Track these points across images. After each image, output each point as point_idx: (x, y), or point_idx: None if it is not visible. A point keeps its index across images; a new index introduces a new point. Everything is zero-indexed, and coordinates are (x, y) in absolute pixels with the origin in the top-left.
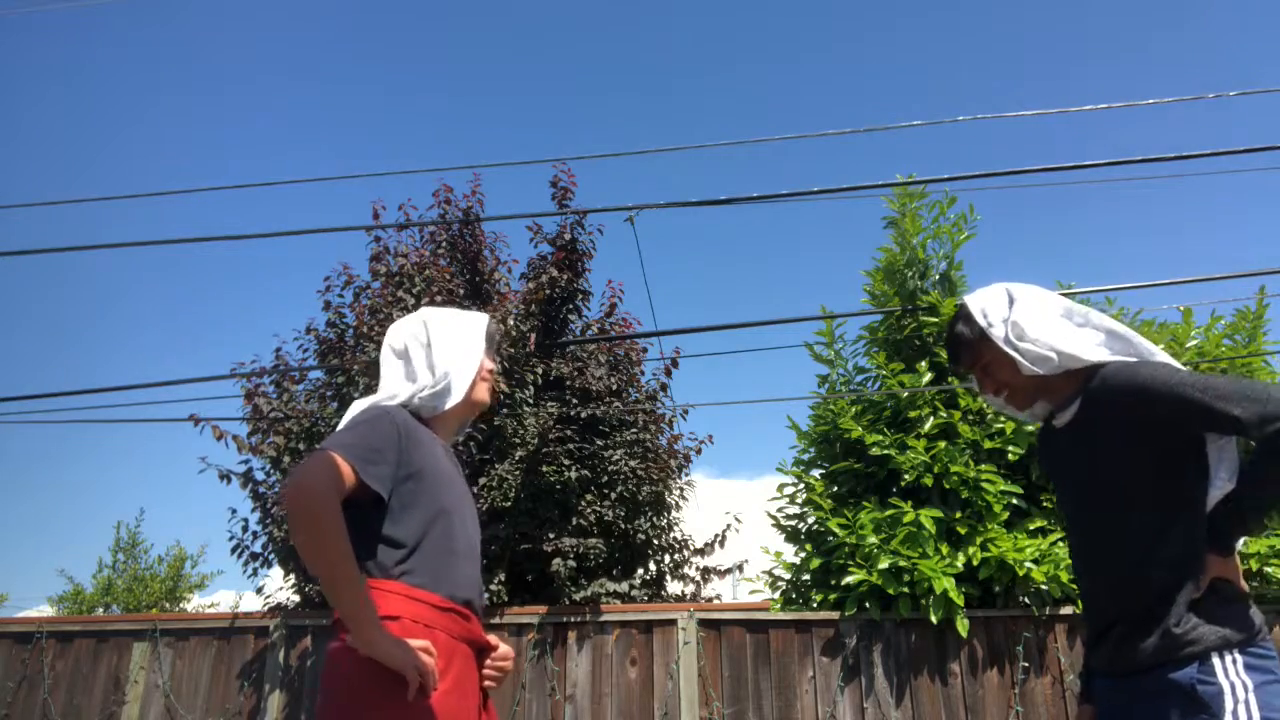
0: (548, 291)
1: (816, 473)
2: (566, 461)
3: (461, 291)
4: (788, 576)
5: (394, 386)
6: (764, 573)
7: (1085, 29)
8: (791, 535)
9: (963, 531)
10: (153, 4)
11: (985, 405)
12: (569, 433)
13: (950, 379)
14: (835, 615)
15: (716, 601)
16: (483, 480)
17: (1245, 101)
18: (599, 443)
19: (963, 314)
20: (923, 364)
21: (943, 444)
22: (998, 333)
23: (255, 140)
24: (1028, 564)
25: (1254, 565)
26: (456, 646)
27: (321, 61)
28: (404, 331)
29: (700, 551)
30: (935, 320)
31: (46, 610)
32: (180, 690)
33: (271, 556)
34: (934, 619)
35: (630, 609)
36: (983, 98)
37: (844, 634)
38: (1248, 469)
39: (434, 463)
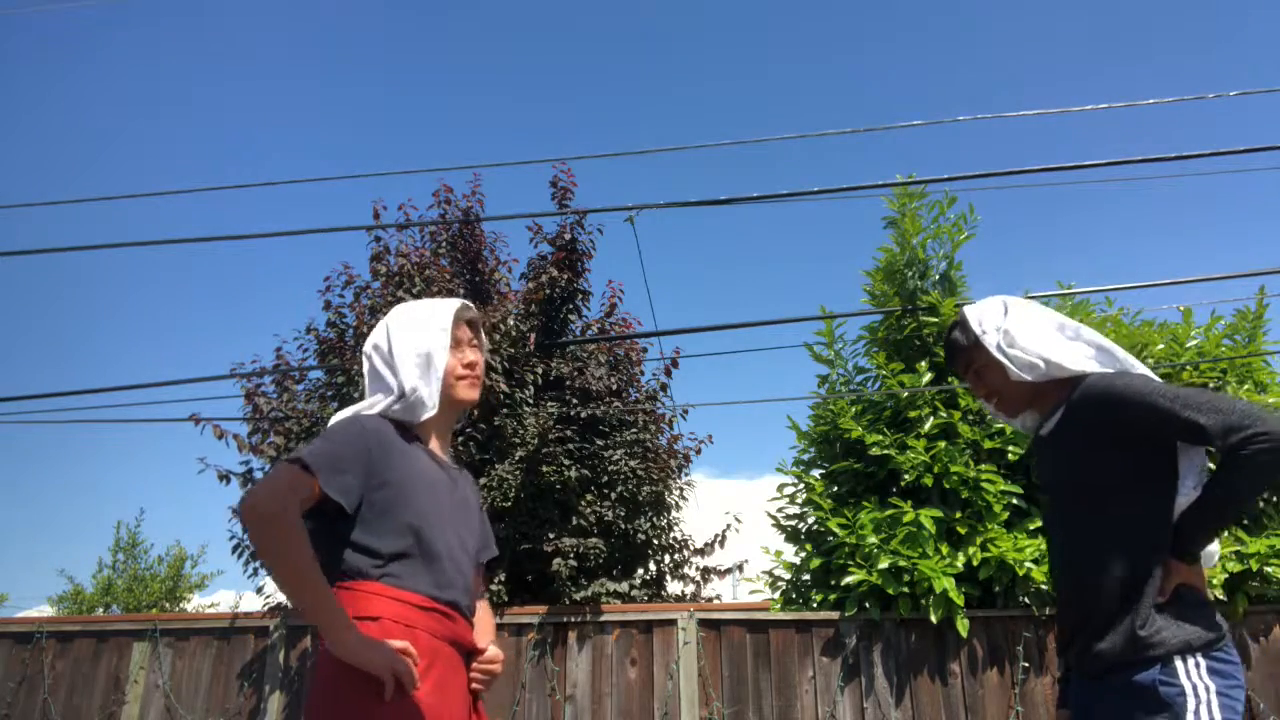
0: (548, 291)
1: (816, 473)
2: (566, 461)
3: (461, 291)
4: (788, 576)
5: (372, 396)
6: (764, 573)
7: (1085, 29)
8: (791, 535)
9: (963, 531)
10: (153, 4)
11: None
12: (569, 433)
13: (950, 379)
14: (835, 615)
15: (716, 601)
16: (483, 480)
17: (1245, 101)
18: (599, 443)
19: (959, 321)
20: (923, 364)
21: (943, 444)
22: (990, 339)
23: (255, 140)
24: (1028, 564)
25: (1254, 565)
26: (439, 647)
27: (321, 61)
28: (371, 342)
29: (700, 551)
30: (935, 320)
31: (46, 610)
32: (180, 690)
33: None
34: (934, 619)
35: (630, 609)
36: (983, 98)
37: (844, 634)
38: (1212, 477)
39: (413, 470)
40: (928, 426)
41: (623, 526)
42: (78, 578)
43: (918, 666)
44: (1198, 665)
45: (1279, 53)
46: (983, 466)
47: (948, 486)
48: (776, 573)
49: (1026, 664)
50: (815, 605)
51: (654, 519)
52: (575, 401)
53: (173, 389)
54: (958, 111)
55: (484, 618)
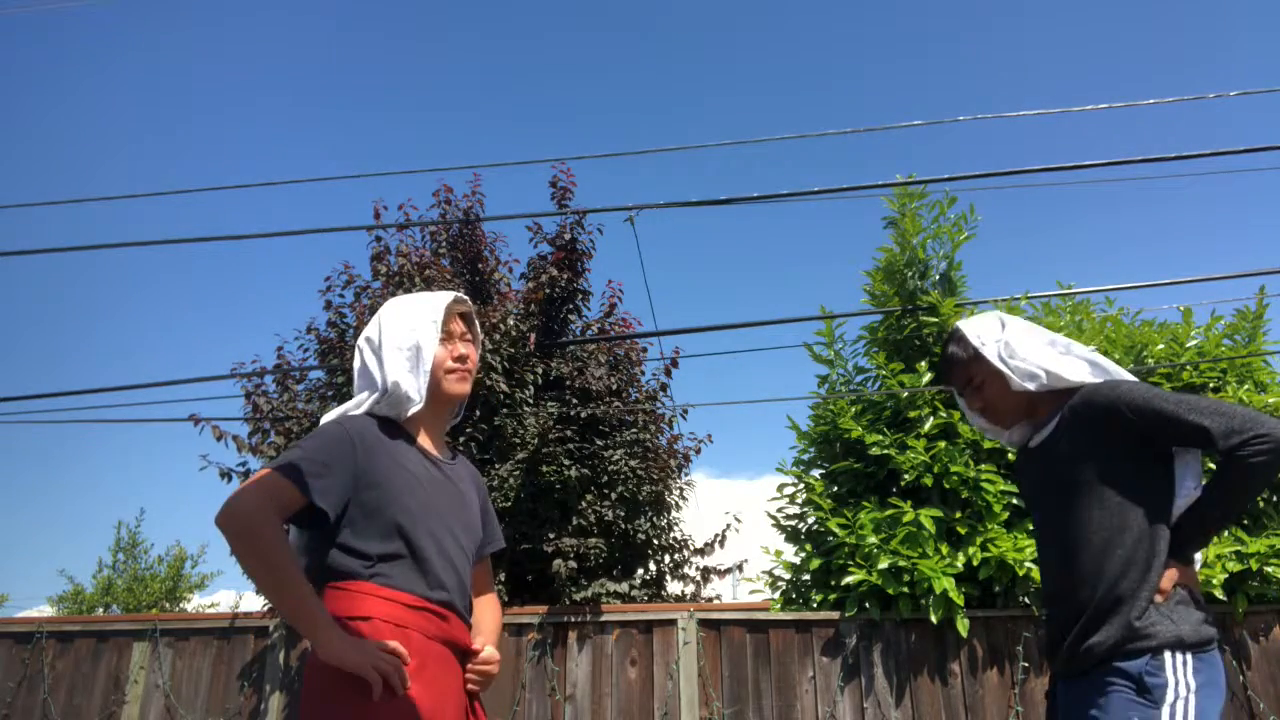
0: (548, 291)
1: (816, 473)
2: (566, 461)
3: (462, 291)
4: (788, 576)
5: (359, 393)
6: (764, 573)
7: (1085, 29)
8: (791, 535)
9: (963, 531)
10: (154, 4)
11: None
12: (569, 433)
13: None
14: (835, 615)
15: (716, 601)
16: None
17: (1245, 101)
18: (599, 443)
19: (956, 336)
20: (922, 364)
21: (943, 444)
22: (990, 351)
23: (255, 140)
24: (1028, 564)
25: (1254, 565)
26: (431, 647)
27: (321, 61)
28: (364, 334)
29: (700, 551)
30: (935, 320)
31: (46, 610)
32: (180, 690)
33: None
34: (934, 619)
35: (630, 609)
36: (983, 98)
37: (844, 634)
38: (1213, 479)
39: (401, 469)
40: (928, 426)
41: (623, 526)
42: (78, 578)
43: (918, 666)
44: (1185, 663)
45: (1279, 53)
46: (983, 466)
47: (948, 486)
48: (776, 573)
49: (1026, 664)
50: (815, 605)
51: (654, 519)
52: (575, 401)
53: (173, 389)
54: (958, 111)
55: (488, 614)
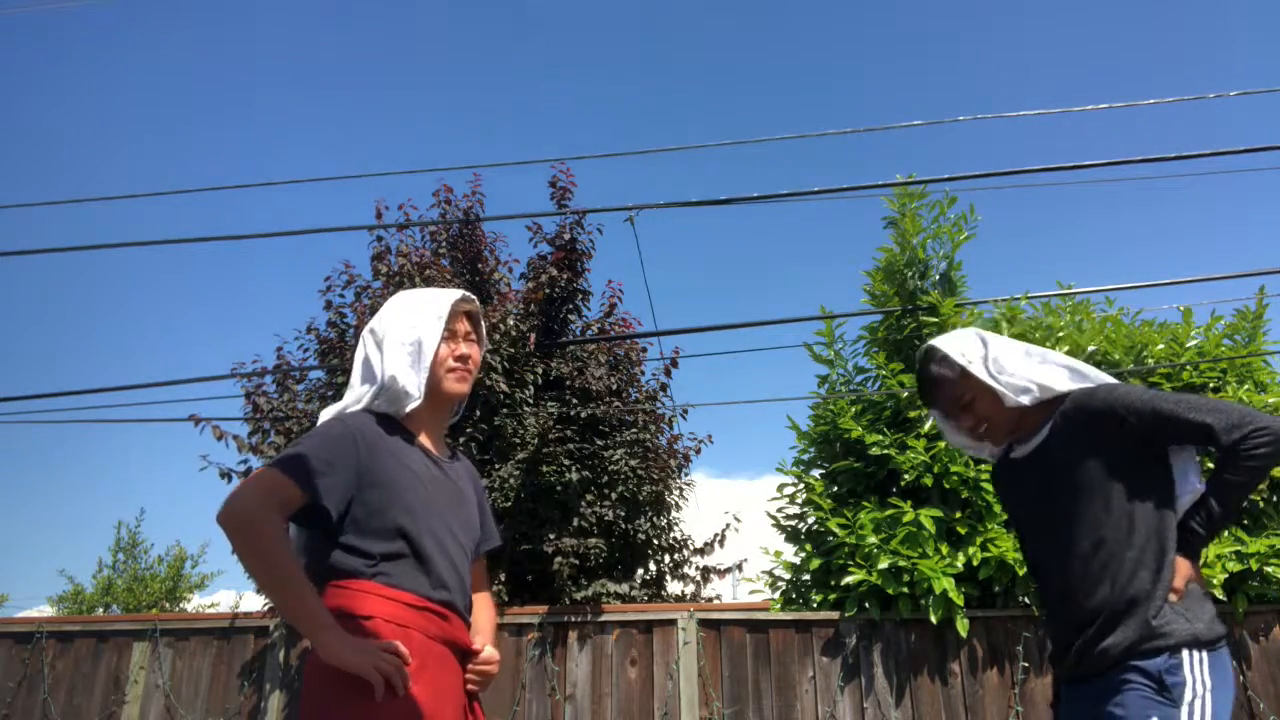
0: (547, 291)
1: (816, 473)
2: (566, 462)
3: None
4: (788, 576)
5: (357, 390)
6: (764, 573)
7: (1085, 29)
8: (791, 535)
9: (963, 531)
10: (154, 4)
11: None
12: (569, 433)
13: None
14: (835, 615)
15: (716, 601)
16: (483, 481)
17: (1245, 101)
18: (599, 443)
19: (937, 356)
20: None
21: (942, 444)
22: (977, 369)
23: (255, 140)
24: None
25: (1254, 565)
26: (432, 646)
27: (321, 61)
28: (369, 325)
29: (700, 551)
30: (935, 320)
31: (46, 610)
32: (180, 690)
33: None
34: (934, 619)
35: (630, 609)
36: (983, 98)
37: (844, 634)
38: (1214, 476)
39: (403, 468)
40: (928, 426)
41: (623, 526)
42: (78, 578)
43: (918, 666)
44: (1201, 660)
45: (1279, 53)
46: (983, 466)
47: (948, 486)
48: (776, 573)
49: (1026, 664)
50: (815, 605)
51: (654, 519)
52: (575, 401)
53: (173, 389)
54: (958, 111)
55: (484, 613)
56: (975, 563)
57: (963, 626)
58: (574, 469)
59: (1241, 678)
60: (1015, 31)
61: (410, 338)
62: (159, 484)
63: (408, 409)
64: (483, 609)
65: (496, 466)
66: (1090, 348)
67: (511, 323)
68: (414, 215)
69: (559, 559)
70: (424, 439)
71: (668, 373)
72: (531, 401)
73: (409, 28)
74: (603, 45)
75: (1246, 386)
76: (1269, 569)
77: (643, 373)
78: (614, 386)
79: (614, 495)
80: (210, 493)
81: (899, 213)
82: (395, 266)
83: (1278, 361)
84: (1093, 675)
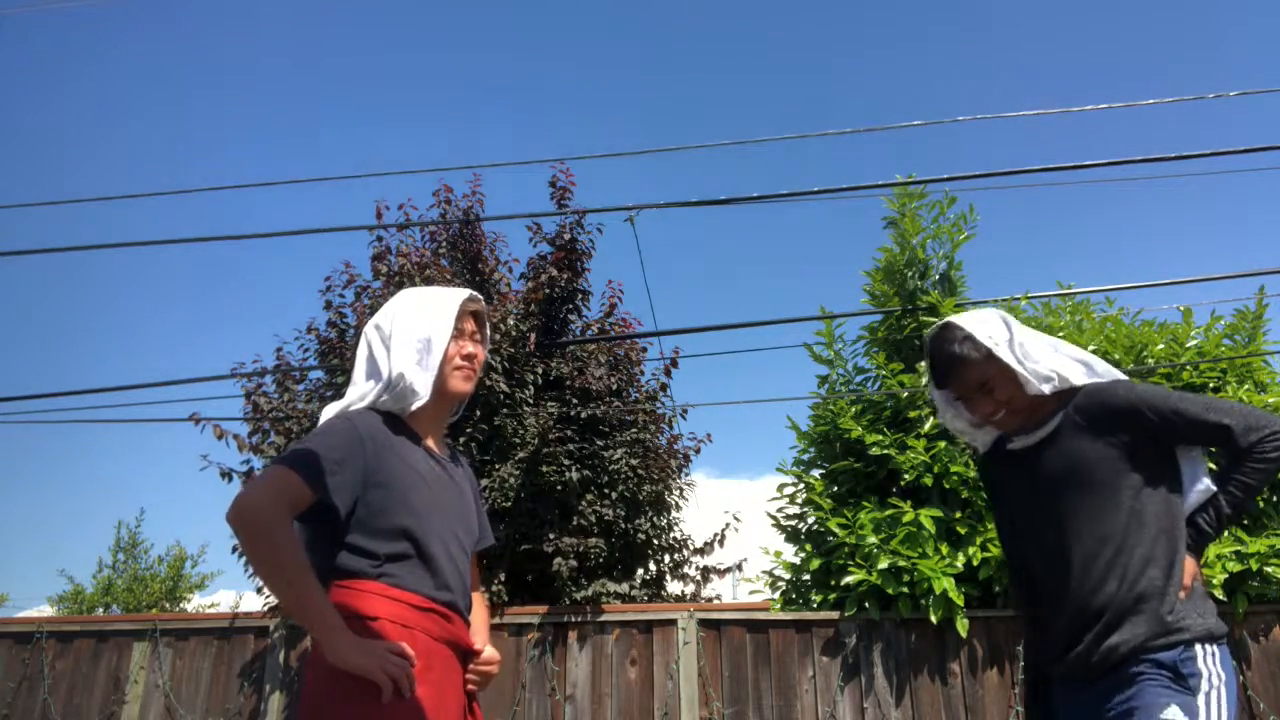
0: (547, 291)
1: (816, 473)
2: (566, 461)
3: None
4: (788, 576)
5: (362, 387)
6: (764, 573)
7: (1086, 29)
8: (791, 535)
9: (963, 531)
10: (154, 4)
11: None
12: (569, 433)
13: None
14: (835, 615)
15: (716, 601)
16: (483, 481)
17: (1245, 101)
18: (599, 443)
19: (959, 336)
20: (923, 364)
21: (942, 444)
22: (1003, 352)
23: (255, 140)
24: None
25: (1254, 565)
26: (436, 648)
27: (321, 61)
28: (374, 321)
29: (700, 551)
30: (935, 320)
31: (46, 610)
32: (180, 690)
33: None
34: (934, 619)
35: (630, 609)
36: (983, 98)
37: (844, 634)
38: (1226, 475)
39: (407, 466)
40: (928, 426)
41: (623, 526)
42: (78, 578)
43: (918, 666)
44: (1214, 655)
45: (1279, 53)
46: None
47: (948, 486)
48: (776, 573)
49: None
50: (815, 605)
51: (654, 519)
52: (575, 401)
53: (173, 389)
54: (958, 111)
55: (480, 613)
56: (975, 563)
57: (963, 626)
58: (574, 469)
59: (1241, 678)
60: (1016, 31)
61: (419, 336)
62: (159, 484)
63: (414, 407)
64: (478, 609)
65: (496, 466)
66: (1090, 348)
67: (511, 323)
68: (414, 215)
69: (559, 559)
70: (426, 438)
71: (668, 373)
72: (531, 401)
73: (410, 27)
74: (603, 45)
75: (1246, 386)
76: (1269, 569)
77: (643, 373)
78: (614, 386)
79: (614, 495)
80: (210, 493)
81: (899, 213)
82: (395, 266)
83: (1278, 361)
84: (1097, 676)
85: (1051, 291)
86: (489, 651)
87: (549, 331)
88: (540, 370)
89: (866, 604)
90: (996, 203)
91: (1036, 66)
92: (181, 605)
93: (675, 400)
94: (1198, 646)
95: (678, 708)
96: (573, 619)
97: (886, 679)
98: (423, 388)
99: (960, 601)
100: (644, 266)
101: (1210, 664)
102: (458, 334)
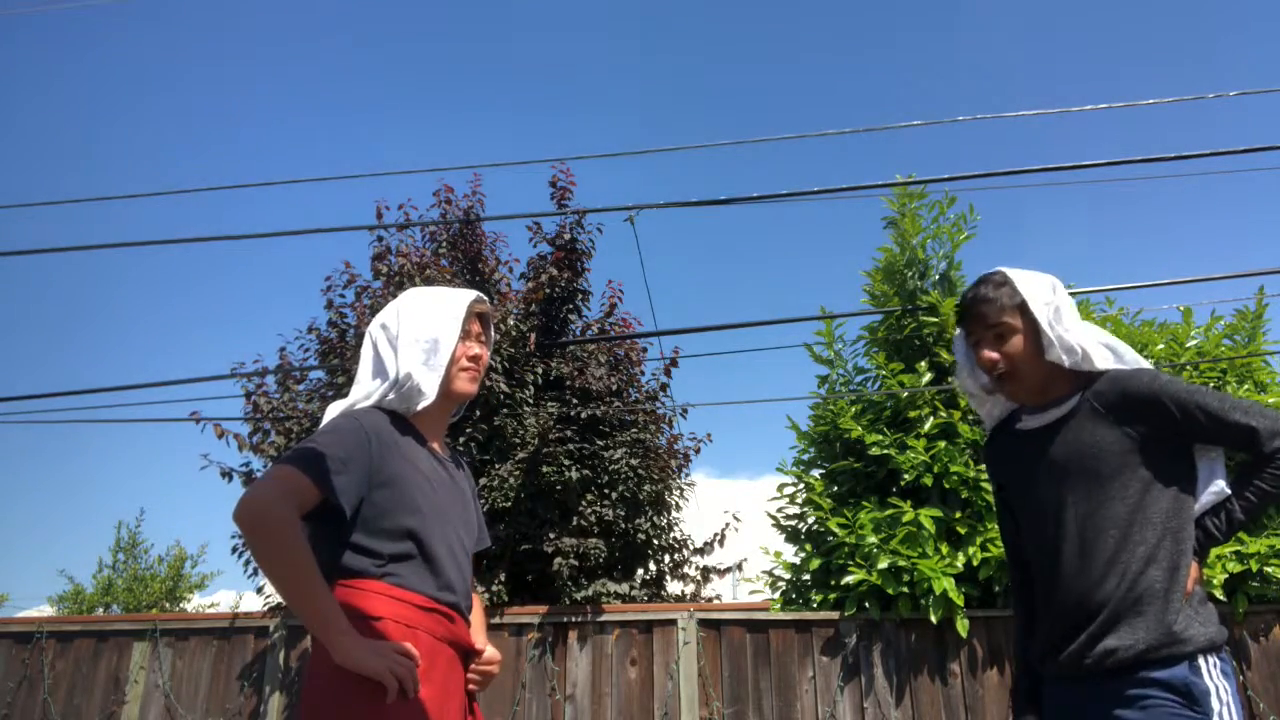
0: (548, 291)
1: (816, 473)
2: (566, 461)
3: None
4: (788, 576)
5: (367, 385)
6: (764, 573)
7: (1086, 30)
8: (791, 535)
9: (963, 531)
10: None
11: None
12: (569, 433)
13: (949, 379)
14: (835, 615)
15: (716, 601)
16: (483, 481)
17: (1245, 101)
18: (599, 443)
19: (999, 280)
20: (922, 364)
21: (942, 444)
22: (1038, 308)
23: (255, 140)
24: None
25: (1254, 565)
26: (439, 648)
27: (322, 61)
28: (379, 320)
29: (700, 551)
30: (935, 320)
31: (46, 610)
32: (180, 690)
33: None
34: (934, 619)
35: (630, 609)
36: (983, 98)
37: (844, 634)
38: (1246, 478)
39: (411, 467)
40: (928, 426)
41: (623, 526)
42: (78, 578)
43: (918, 666)
44: (1216, 665)
45: (1279, 53)
46: (982, 466)
47: (948, 486)
48: (776, 573)
49: None
50: (815, 605)
51: (654, 519)
52: (575, 401)
53: (173, 389)
54: (958, 111)
55: (478, 614)
56: (975, 563)
57: (963, 626)
58: (574, 469)
59: (1241, 678)
60: (1016, 31)
61: (427, 336)
62: (159, 484)
63: (419, 407)
64: (475, 609)
65: (496, 466)
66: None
67: (511, 323)
68: (414, 215)
69: (559, 559)
70: (429, 438)
71: (668, 372)
72: (531, 401)
73: (408, 28)
74: (603, 45)
75: (1246, 386)
76: (1269, 569)
77: (643, 373)
78: (614, 386)
79: (614, 495)
80: (210, 493)
81: (899, 213)
82: (395, 266)
83: (1278, 361)
84: (1096, 677)
85: None
86: (490, 651)
87: (549, 331)
88: (540, 370)
89: (866, 604)
90: (996, 203)
91: (1037, 67)
92: (181, 605)
93: (675, 400)
94: (1201, 660)
95: (678, 708)
96: (573, 619)
97: (886, 679)
98: (429, 388)
99: (960, 601)
100: (644, 266)
101: (1216, 676)
102: (464, 335)
